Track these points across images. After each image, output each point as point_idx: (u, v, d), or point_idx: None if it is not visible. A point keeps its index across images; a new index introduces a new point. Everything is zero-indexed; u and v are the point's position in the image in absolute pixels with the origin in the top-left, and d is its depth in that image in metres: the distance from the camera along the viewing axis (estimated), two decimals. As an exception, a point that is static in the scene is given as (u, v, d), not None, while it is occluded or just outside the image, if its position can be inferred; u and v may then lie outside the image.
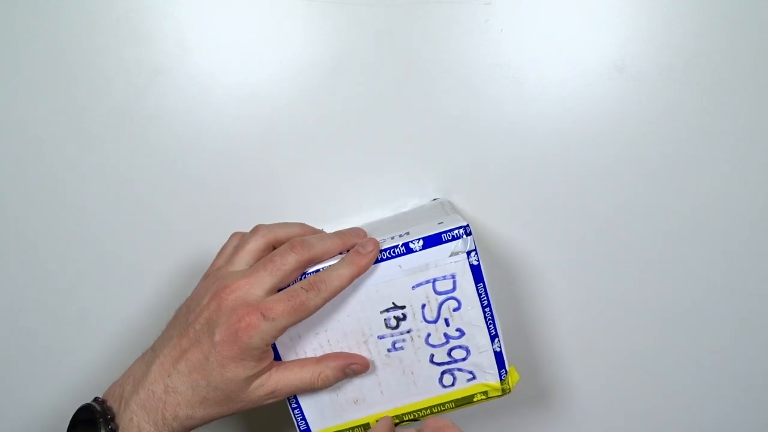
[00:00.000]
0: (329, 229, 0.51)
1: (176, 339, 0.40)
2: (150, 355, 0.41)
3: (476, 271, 0.43)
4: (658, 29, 0.49)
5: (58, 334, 0.54)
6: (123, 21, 0.48)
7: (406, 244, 0.42)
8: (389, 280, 0.42)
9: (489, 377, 0.44)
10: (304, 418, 0.45)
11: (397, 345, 0.44)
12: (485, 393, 0.45)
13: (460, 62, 0.49)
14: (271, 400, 0.42)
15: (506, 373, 0.44)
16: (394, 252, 0.42)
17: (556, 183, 0.51)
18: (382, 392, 0.45)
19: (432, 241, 0.42)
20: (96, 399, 0.41)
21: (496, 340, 0.44)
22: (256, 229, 0.44)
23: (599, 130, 0.50)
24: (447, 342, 0.44)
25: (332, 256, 0.43)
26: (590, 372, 0.55)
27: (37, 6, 0.48)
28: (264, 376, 0.41)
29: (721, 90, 0.49)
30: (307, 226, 0.46)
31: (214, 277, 0.42)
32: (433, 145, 0.51)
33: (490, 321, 0.44)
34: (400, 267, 0.42)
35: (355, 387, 0.45)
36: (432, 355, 0.44)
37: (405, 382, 0.45)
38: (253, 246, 0.43)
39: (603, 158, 0.51)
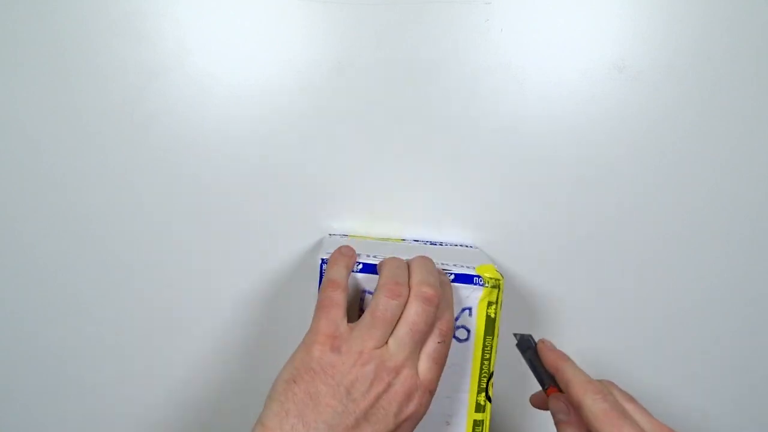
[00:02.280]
0: (328, 231, 0.51)
1: (340, 428, 0.37)
2: None
3: (367, 268, 0.44)
4: (658, 29, 0.49)
5: (58, 334, 0.54)
6: (123, 21, 0.48)
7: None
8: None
9: (475, 294, 0.44)
10: None
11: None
12: (491, 303, 0.44)
13: (460, 62, 0.49)
14: None
15: (479, 277, 0.44)
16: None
17: (556, 182, 0.51)
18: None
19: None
20: None
21: (445, 273, 0.44)
22: (394, 291, 0.40)
23: (599, 130, 0.50)
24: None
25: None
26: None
27: (37, 6, 0.48)
28: None
29: (721, 90, 0.49)
30: (348, 254, 0.44)
31: (364, 356, 0.38)
32: (433, 145, 0.51)
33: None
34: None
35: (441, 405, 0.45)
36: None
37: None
38: (394, 315, 0.39)
39: (603, 158, 0.51)
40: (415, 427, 0.39)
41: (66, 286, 0.53)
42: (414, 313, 0.39)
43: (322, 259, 0.44)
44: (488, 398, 0.45)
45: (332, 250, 0.44)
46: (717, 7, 0.48)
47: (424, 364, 0.39)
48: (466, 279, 0.44)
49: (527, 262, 0.53)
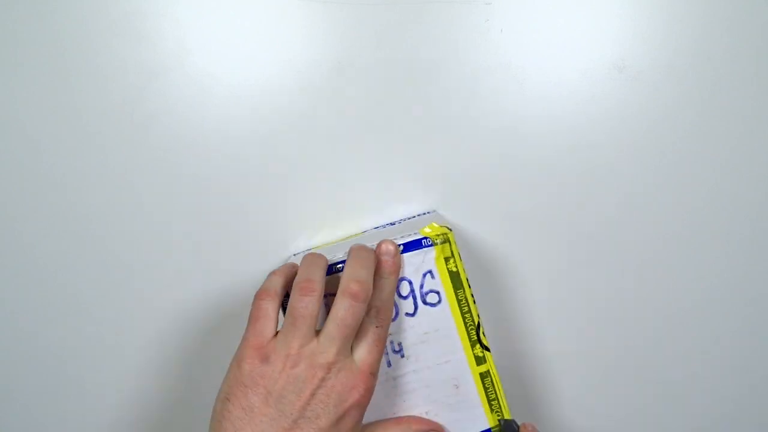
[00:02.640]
0: (328, 232, 0.51)
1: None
2: None
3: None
4: (658, 29, 0.49)
5: (58, 333, 0.54)
6: (123, 21, 0.48)
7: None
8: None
9: (429, 256, 0.44)
10: None
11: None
12: (447, 258, 0.44)
13: (460, 62, 0.49)
14: None
15: (426, 238, 0.44)
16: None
17: (556, 183, 0.51)
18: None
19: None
20: None
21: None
22: (306, 288, 0.40)
23: (599, 130, 0.50)
24: (403, 296, 0.44)
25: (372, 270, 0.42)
26: (583, 373, 0.55)
27: (37, 6, 0.48)
28: None
29: (721, 90, 0.49)
30: (291, 264, 0.44)
31: (288, 358, 0.38)
32: (434, 145, 0.51)
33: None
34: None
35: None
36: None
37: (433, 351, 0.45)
38: (314, 310, 0.39)
39: (603, 158, 0.51)
40: (363, 412, 0.39)
41: (66, 286, 0.53)
42: (341, 308, 0.39)
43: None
44: (485, 348, 0.45)
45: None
46: (717, 7, 0.48)
47: (363, 349, 0.40)
48: (414, 245, 0.44)
49: (526, 261, 0.53)
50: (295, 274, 0.42)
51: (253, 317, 0.40)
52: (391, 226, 0.50)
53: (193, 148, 0.51)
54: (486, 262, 0.52)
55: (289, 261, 0.47)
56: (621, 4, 0.48)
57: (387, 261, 0.42)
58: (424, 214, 0.51)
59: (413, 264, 0.44)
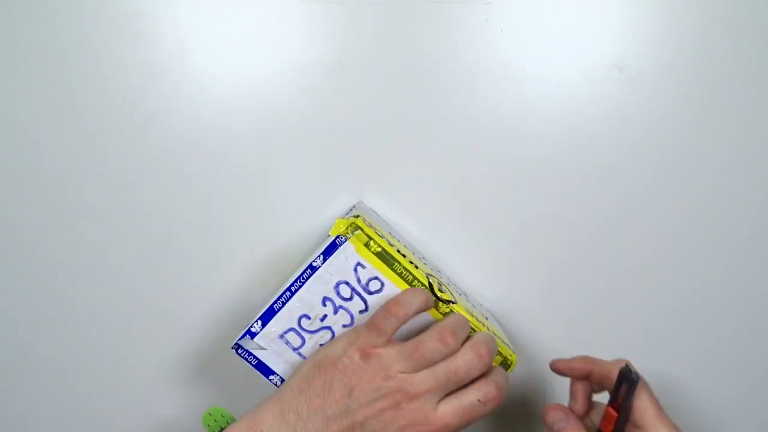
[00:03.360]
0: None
1: (334, 425, 0.39)
2: (300, 428, 0.40)
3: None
4: (658, 29, 0.49)
5: (58, 333, 0.54)
6: (123, 21, 0.48)
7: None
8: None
9: (348, 248, 0.44)
10: None
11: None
12: (365, 243, 0.44)
13: (460, 62, 0.49)
14: None
15: (341, 237, 0.44)
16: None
17: (556, 183, 0.51)
18: None
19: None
20: None
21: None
22: (448, 341, 0.41)
23: (599, 130, 0.50)
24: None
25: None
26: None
27: (37, 6, 0.48)
28: None
29: (721, 90, 0.49)
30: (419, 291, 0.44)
31: (386, 371, 0.40)
32: (433, 145, 0.51)
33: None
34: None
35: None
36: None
37: None
38: (433, 350, 0.40)
39: (603, 158, 0.51)
40: None
41: (66, 285, 0.53)
42: (461, 359, 0.40)
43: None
44: (447, 302, 0.45)
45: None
46: (717, 7, 0.48)
47: (452, 406, 0.40)
48: (331, 249, 0.44)
49: (526, 262, 0.53)
50: (425, 308, 0.43)
51: (376, 326, 0.42)
52: None
53: (193, 148, 0.51)
54: (486, 262, 0.52)
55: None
56: (621, 4, 0.48)
57: (495, 368, 0.43)
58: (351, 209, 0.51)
59: (339, 265, 0.44)
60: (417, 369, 0.40)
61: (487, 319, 0.48)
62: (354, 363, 0.40)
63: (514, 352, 0.46)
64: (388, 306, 0.42)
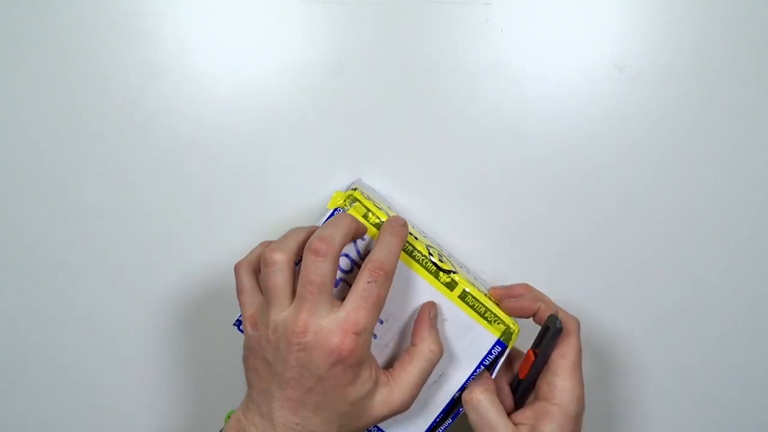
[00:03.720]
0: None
1: (279, 392, 0.39)
2: (257, 419, 0.40)
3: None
4: (658, 29, 0.49)
5: (58, 333, 0.54)
6: (123, 21, 0.48)
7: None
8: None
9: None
10: None
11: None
12: (363, 213, 0.44)
13: (460, 62, 0.49)
14: (408, 406, 0.42)
15: (339, 210, 0.44)
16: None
17: (556, 183, 0.51)
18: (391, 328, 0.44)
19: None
20: None
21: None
22: (268, 259, 0.40)
23: (599, 130, 0.50)
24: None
25: (353, 237, 0.42)
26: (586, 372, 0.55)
27: (37, 6, 0.48)
28: (385, 390, 0.41)
29: (721, 90, 0.49)
30: (298, 229, 0.43)
31: (269, 326, 0.40)
32: (433, 146, 0.51)
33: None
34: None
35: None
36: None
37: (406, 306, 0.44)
38: (280, 278, 0.40)
39: (603, 158, 0.51)
40: (354, 369, 0.39)
41: (66, 285, 0.53)
42: (305, 266, 0.39)
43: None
44: (448, 272, 0.44)
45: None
46: (717, 7, 0.48)
47: (350, 304, 0.39)
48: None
49: (525, 263, 0.53)
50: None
51: (237, 290, 0.43)
52: None
53: (193, 148, 0.51)
54: (485, 262, 0.52)
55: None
56: (621, 4, 0.48)
57: (390, 223, 0.42)
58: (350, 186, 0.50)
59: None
60: (282, 300, 0.40)
61: (488, 290, 0.48)
62: (252, 338, 0.41)
63: (516, 323, 0.45)
64: (311, 249, 0.40)
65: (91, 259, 0.52)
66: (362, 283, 0.39)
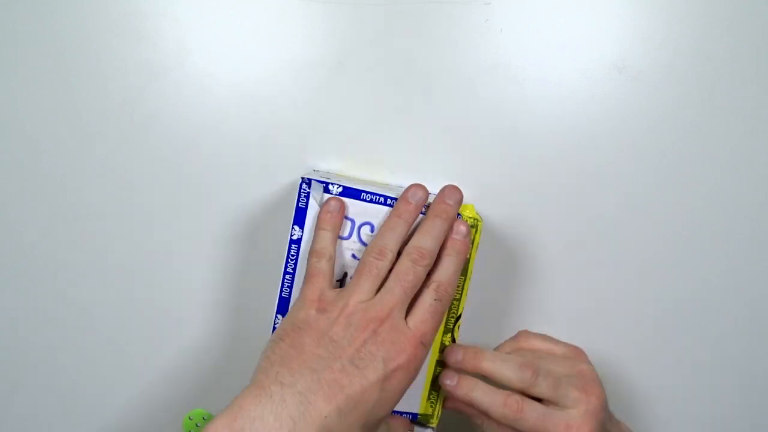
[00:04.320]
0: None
1: (326, 373, 0.36)
2: (285, 392, 0.35)
3: (348, 193, 0.44)
4: (658, 29, 0.49)
5: (58, 333, 0.54)
6: (123, 21, 0.48)
7: (291, 240, 0.44)
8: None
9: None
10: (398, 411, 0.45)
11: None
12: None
13: (460, 62, 0.49)
14: None
15: (458, 214, 0.44)
16: (292, 256, 0.44)
17: (556, 183, 0.51)
18: None
19: (299, 217, 0.44)
20: None
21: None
22: (383, 249, 0.41)
23: (599, 130, 0.50)
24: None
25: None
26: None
27: (37, 6, 0.48)
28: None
29: (721, 90, 0.49)
30: (396, 222, 0.43)
31: (348, 309, 0.39)
32: (433, 146, 0.51)
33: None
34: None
35: None
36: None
37: None
38: (383, 269, 0.41)
39: (603, 158, 0.51)
40: (409, 381, 0.39)
41: (66, 286, 0.53)
42: (402, 266, 0.40)
43: (302, 178, 0.44)
44: (453, 340, 0.46)
45: (316, 180, 0.44)
46: (717, 7, 0.48)
47: (418, 317, 0.40)
48: (299, 215, 0.44)
49: (525, 262, 0.53)
50: (340, 225, 0.43)
51: (310, 275, 0.42)
52: None
53: (193, 148, 0.51)
54: (485, 262, 0.52)
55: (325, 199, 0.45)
56: (621, 4, 0.48)
57: (457, 240, 0.43)
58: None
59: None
60: (371, 290, 0.40)
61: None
62: (314, 318, 0.39)
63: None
64: (310, 252, 0.43)
65: (90, 259, 0.52)
66: (429, 298, 0.40)
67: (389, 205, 0.44)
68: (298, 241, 0.44)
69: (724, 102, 0.49)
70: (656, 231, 0.52)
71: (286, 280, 0.45)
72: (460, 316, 0.46)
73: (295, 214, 0.44)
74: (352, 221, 0.44)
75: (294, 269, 0.44)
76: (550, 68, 0.49)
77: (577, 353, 0.48)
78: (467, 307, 0.47)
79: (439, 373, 0.45)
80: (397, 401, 0.39)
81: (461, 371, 0.45)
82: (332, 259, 0.43)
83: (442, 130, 0.50)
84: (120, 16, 0.48)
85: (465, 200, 0.51)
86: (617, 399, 0.56)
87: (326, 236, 0.43)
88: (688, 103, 0.50)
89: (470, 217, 0.45)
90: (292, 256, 0.44)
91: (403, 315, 0.40)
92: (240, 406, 0.35)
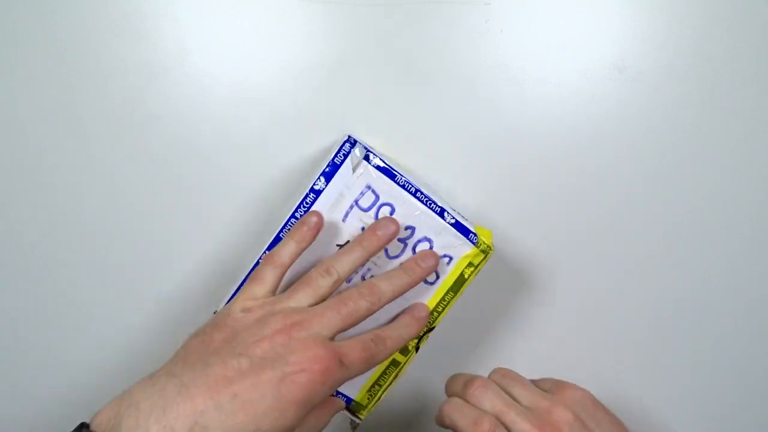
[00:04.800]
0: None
1: (217, 368, 0.34)
2: (168, 382, 0.34)
3: (385, 171, 0.44)
4: (658, 29, 0.49)
5: (58, 334, 0.54)
6: (123, 21, 0.48)
7: (312, 189, 0.43)
8: (326, 224, 0.43)
9: (463, 248, 0.45)
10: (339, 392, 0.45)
11: (366, 275, 0.45)
12: (471, 264, 0.45)
13: (460, 63, 0.49)
14: None
15: (475, 235, 0.45)
16: (306, 203, 0.43)
17: (557, 183, 0.51)
18: (377, 319, 0.44)
19: (330, 171, 0.43)
20: (83, 426, 0.33)
21: (446, 213, 0.44)
22: (332, 271, 0.40)
23: (599, 130, 0.50)
24: (405, 245, 0.45)
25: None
26: (588, 372, 0.55)
27: (37, 6, 0.48)
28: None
29: (721, 90, 0.49)
30: (358, 249, 0.42)
31: (271, 311, 0.38)
32: (433, 146, 0.51)
33: (429, 201, 0.44)
34: (324, 210, 0.43)
35: (356, 330, 0.43)
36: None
37: (396, 302, 0.44)
38: (327, 291, 0.40)
39: (603, 158, 0.51)
40: (313, 391, 0.35)
41: (66, 285, 0.53)
42: (347, 292, 0.40)
43: (349, 136, 0.44)
44: (416, 348, 0.46)
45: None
46: (717, 7, 0.48)
47: (348, 342, 0.38)
48: (462, 230, 0.44)
49: (525, 262, 0.53)
50: (311, 240, 0.42)
51: (253, 278, 0.41)
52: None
53: (193, 148, 0.51)
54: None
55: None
56: (621, 4, 0.48)
57: (413, 318, 0.43)
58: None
59: (447, 240, 0.44)
60: (303, 300, 0.39)
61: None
62: (234, 316, 0.38)
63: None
64: (267, 255, 0.42)
65: (90, 259, 0.52)
66: (368, 338, 0.40)
67: (418, 198, 0.44)
68: (318, 192, 0.44)
69: (724, 102, 0.49)
70: (656, 231, 0.52)
71: (289, 225, 0.44)
72: (433, 329, 0.46)
73: (327, 165, 0.44)
74: (377, 196, 0.44)
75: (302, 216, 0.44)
76: (550, 69, 0.49)
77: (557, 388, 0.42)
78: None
79: (389, 370, 0.45)
80: (300, 413, 0.35)
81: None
82: (284, 273, 0.41)
83: (442, 130, 0.50)
84: (120, 16, 0.48)
85: (470, 206, 0.51)
86: (617, 399, 0.56)
87: (290, 248, 0.42)
88: (688, 103, 0.50)
89: (485, 242, 0.45)
90: (306, 203, 0.44)
91: (330, 335, 0.37)
92: (129, 392, 0.34)
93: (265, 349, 0.35)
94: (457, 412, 0.39)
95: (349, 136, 0.44)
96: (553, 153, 0.51)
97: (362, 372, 0.39)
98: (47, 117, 0.50)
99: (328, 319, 0.38)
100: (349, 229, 0.44)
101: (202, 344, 0.37)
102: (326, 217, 0.43)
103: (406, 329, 0.43)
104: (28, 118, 0.50)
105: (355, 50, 0.49)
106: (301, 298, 0.40)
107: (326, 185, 0.44)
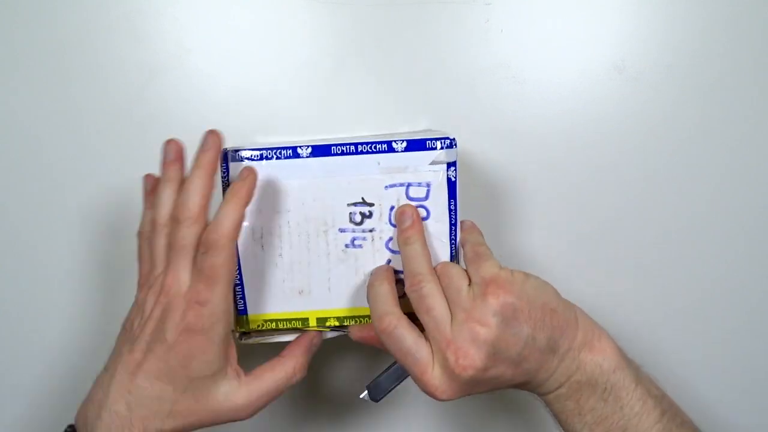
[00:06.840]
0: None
1: (127, 354, 0.39)
2: (105, 375, 0.40)
3: (451, 186, 0.43)
4: (658, 29, 0.49)
5: (58, 334, 0.54)
6: (123, 21, 0.48)
7: (388, 143, 0.42)
8: (364, 175, 0.42)
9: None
10: (243, 298, 0.44)
11: (356, 242, 0.43)
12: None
13: (460, 62, 0.49)
14: (249, 413, 0.41)
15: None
16: (375, 147, 0.42)
17: (557, 183, 0.51)
18: (329, 288, 0.44)
19: (416, 144, 0.42)
20: (70, 427, 0.40)
21: (455, 260, 0.44)
22: (213, 243, 0.39)
23: (599, 130, 0.50)
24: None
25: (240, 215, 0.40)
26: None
27: (37, 6, 0.48)
28: (232, 384, 0.40)
29: (721, 90, 0.49)
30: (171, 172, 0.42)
31: (147, 286, 0.41)
32: (433, 146, 0.51)
33: (453, 240, 0.43)
34: (378, 164, 0.42)
35: (303, 277, 0.43)
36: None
37: (355, 283, 0.43)
38: (161, 242, 0.41)
39: (603, 158, 0.51)
40: (203, 341, 0.38)
41: (66, 286, 0.53)
42: (172, 234, 0.40)
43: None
44: (335, 328, 0.45)
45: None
46: (717, 7, 0.48)
47: (194, 277, 0.39)
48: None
49: (525, 263, 0.53)
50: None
51: (142, 256, 0.43)
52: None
53: (192, 149, 0.51)
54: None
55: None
56: (621, 4, 0.48)
57: (236, 185, 0.40)
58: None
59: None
60: (150, 272, 0.42)
61: None
62: (136, 296, 0.42)
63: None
64: (216, 243, 0.40)
65: (90, 259, 0.52)
66: (199, 255, 0.39)
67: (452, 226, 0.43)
68: (392, 150, 0.42)
69: (724, 102, 0.50)
70: (656, 231, 0.52)
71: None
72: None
73: (421, 140, 0.42)
74: (426, 198, 0.43)
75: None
76: (550, 68, 0.49)
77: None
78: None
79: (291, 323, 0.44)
80: (201, 359, 0.38)
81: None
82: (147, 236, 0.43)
83: (441, 130, 0.50)
84: (120, 16, 0.48)
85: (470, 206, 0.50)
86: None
87: (147, 213, 0.43)
88: (688, 103, 0.50)
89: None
90: (381, 148, 0.42)
91: (187, 279, 0.39)
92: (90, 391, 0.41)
93: (150, 326, 0.39)
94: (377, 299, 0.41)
95: (453, 139, 0.42)
96: (553, 153, 0.51)
97: (225, 285, 0.38)
98: (47, 117, 0.50)
99: (176, 270, 0.39)
100: (383, 198, 0.42)
101: (125, 332, 0.42)
102: (374, 175, 0.42)
103: (231, 205, 0.39)
104: (28, 118, 0.50)
105: (356, 50, 0.49)
106: (145, 270, 0.43)
107: (403, 151, 0.42)
